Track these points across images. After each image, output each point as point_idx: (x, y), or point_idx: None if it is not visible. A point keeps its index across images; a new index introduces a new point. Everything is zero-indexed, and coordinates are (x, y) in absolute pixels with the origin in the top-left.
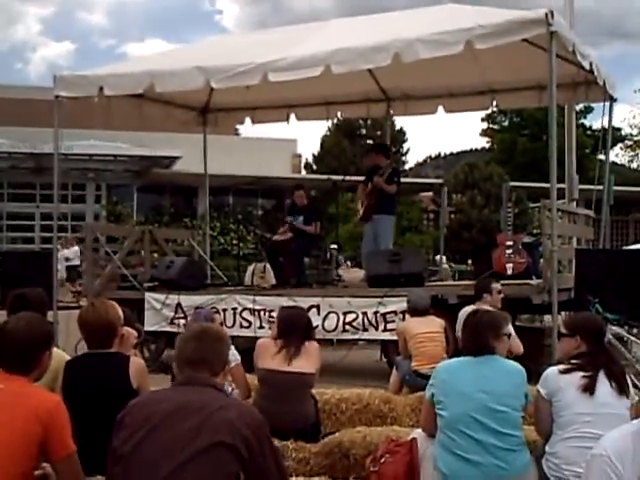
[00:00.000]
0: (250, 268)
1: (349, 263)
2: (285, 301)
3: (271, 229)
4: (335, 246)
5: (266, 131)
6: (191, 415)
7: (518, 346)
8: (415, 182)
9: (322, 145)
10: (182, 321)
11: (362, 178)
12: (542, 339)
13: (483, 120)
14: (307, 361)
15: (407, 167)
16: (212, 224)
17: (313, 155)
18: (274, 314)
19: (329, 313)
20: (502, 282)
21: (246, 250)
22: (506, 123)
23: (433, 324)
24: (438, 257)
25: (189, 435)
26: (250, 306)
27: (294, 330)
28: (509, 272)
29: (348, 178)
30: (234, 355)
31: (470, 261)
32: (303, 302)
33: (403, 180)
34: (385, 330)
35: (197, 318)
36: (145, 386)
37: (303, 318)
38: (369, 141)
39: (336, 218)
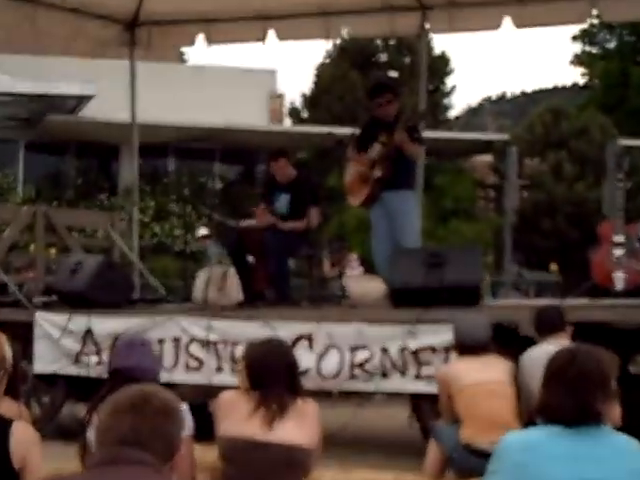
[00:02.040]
0: (202, 275)
1: (353, 265)
2: (258, 329)
3: (236, 212)
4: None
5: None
6: None
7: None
8: (464, 139)
9: (317, 80)
10: (94, 358)
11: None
12: None
13: (576, 40)
14: (299, 426)
15: (452, 115)
16: (143, 204)
17: (303, 96)
18: (240, 349)
19: (328, 349)
20: (607, 302)
21: (197, 246)
22: (612, 45)
23: (495, 369)
24: (503, 259)
25: None
26: (202, 336)
27: (271, 377)
28: (619, 285)
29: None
30: (187, 422)
31: (554, 266)
32: (286, 331)
33: (446, 135)
34: (418, 377)
35: (126, 349)
36: (34, 464)
37: (284, 358)
38: (392, 73)
39: (339, 196)
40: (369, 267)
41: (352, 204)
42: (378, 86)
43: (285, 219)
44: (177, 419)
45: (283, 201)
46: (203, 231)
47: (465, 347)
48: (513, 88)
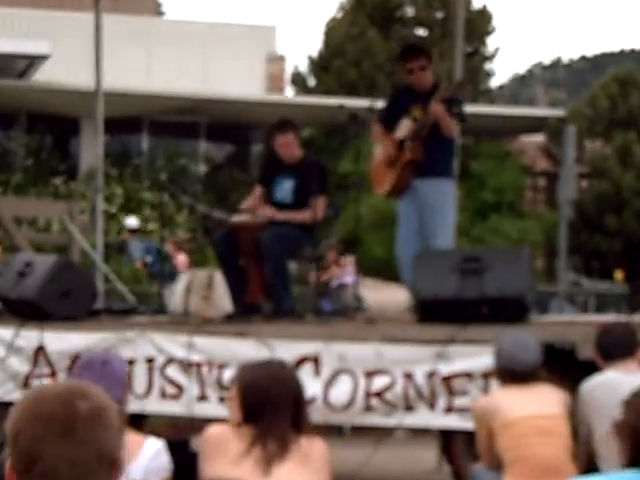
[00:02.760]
0: (183, 280)
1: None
2: (251, 348)
3: (225, 202)
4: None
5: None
6: None
7: None
8: (509, 114)
9: (327, 40)
10: (47, 382)
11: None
12: None
13: None
14: (302, 470)
15: (494, 84)
16: (109, 191)
17: (309, 59)
18: (230, 373)
19: (339, 374)
20: None
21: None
22: None
23: (546, 400)
24: (557, 265)
25: None
26: (182, 355)
27: (270, 408)
28: None
29: (379, 107)
30: (162, 463)
31: (620, 273)
32: (286, 351)
33: (487, 110)
34: (449, 410)
35: (81, 369)
36: None
37: (287, 384)
38: (419, 32)
39: (354, 184)
40: (389, 273)
41: (377, 193)
42: (409, 48)
43: (287, 209)
44: (113, 430)
45: (287, 187)
46: (132, 222)
47: (509, 373)
48: (570, 52)
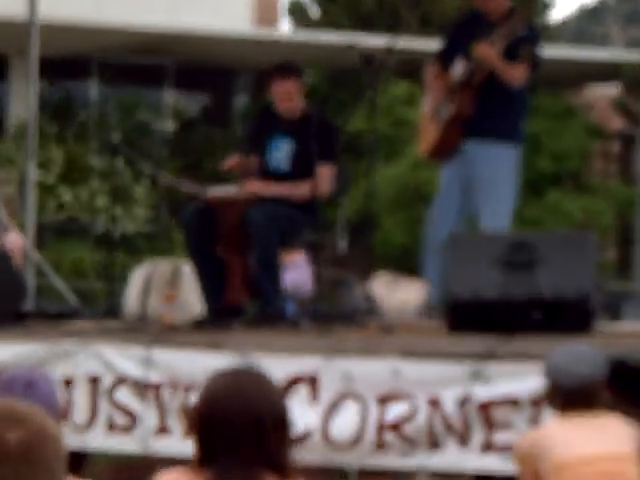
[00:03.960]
0: (140, 273)
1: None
2: (230, 362)
3: (199, 171)
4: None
5: None
6: None
7: None
8: (574, 59)
9: None
10: None
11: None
12: None
13: None
14: None
15: (554, 19)
16: (45, 155)
17: None
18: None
19: (343, 399)
20: None
21: (132, 225)
22: None
23: (613, 435)
24: (633, 256)
25: None
26: (137, 374)
27: (234, 441)
28: None
29: (402, 47)
30: None
31: None
32: (276, 368)
33: (545, 52)
34: (488, 448)
35: (3, 394)
36: None
37: (256, 404)
38: None
39: (368, 147)
40: (412, 265)
41: (421, 152)
42: None
43: (283, 180)
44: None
45: (283, 151)
46: None
47: (566, 399)
48: None
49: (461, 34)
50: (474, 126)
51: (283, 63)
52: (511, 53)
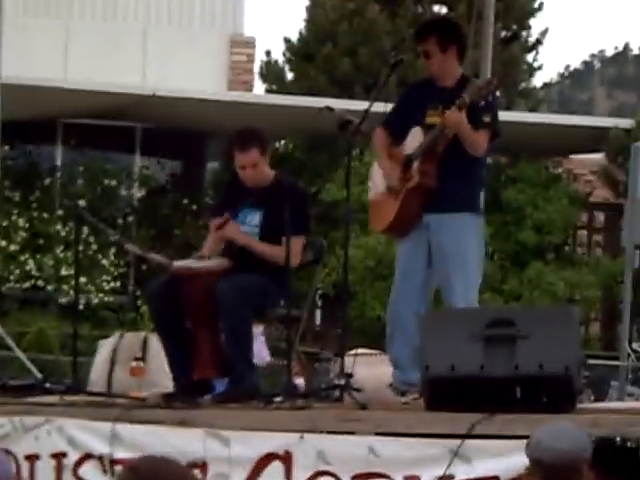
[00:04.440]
0: (106, 346)
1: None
2: (197, 442)
3: (166, 239)
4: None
5: None
6: None
7: None
8: (558, 124)
9: (312, 17)
10: None
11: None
12: None
13: None
14: None
15: (539, 82)
16: (8, 222)
17: (287, 44)
18: None
19: (318, 477)
20: None
21: (99, 296)
22: None
23: None
24: (618, 331)
25: None
26: (103, 451)
27: None
28: None
29: (379, 110)
30: None
31: None
32: (247, 446)
33: (528, 118)
34: None
35: None
36: None
37: None
38: (442, 9)
39: (344, 217)
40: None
41: (374, 230)
42: (419, 28)
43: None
44: None
45: (253, 221)
46: None
47: (547, 476)
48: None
49: (413, 101)
50: (437, 197)
51: (242, 132)
52: (472, 119)
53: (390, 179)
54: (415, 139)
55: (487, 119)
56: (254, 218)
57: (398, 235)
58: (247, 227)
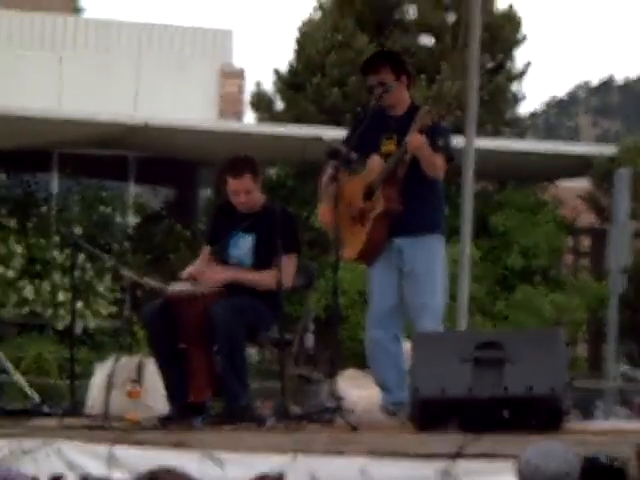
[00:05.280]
0: (102, 370)
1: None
2: (193, 462)
3: (161, 265)
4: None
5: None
6: None
7: None
8: (544, 152)
9: (301, 48)
10: None
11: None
12: None
13: None
14: None
15: (524, 111)
16: (5, 249)
17: (277, 75)
18: None
19: None
20: None
21: (94, 321)
22: None
23: None
24: (604, 352)
25: None
26: (100, 473)
27: None
28: None
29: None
30: None
31: None
32: (241, 467)
33: (514, 146)
34: None
35: None
36: None
37: None
38: (426, 39)
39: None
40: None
41: (346, 258)
42: (370, 61)
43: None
44: None
45: (244, 245)
46: None
47: None
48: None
49: (366, 132)
50: (404, 221)
51: (235, 160)
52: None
53: (354, 207)
54: (374, 167)
55: (441, 142)
56: (246, 242)
57: (368, 262)
58: (239, 251)
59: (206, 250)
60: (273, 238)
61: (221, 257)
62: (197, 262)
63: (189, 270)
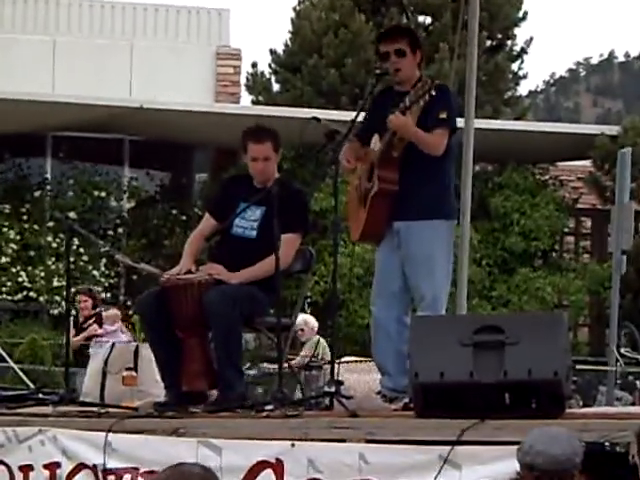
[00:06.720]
0: (97, 356)
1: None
2: (190, 450)
3: (156, 250)
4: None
5: None
6: None
7: None
8: (544, 132)
9: (297, 29)
10: None
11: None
12: None
13: None
14: None
15: (524, 90)
16: None
17: (274, 55)
18: None
19: None
20: None
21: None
22: None
23: None
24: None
25: None
26: (96, 461)
27: None
28: None
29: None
30: None
31: None
32: (238, 454)
33: (514, 126)
34: None
35: None
36: None
37: None
38: (427, 19)
39: (332, 226)
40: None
41: (353, 239)
42: (392, 29)
43: (248, 246)
44: None
45: (252, 217)
46: None
47: (529, 473)
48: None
49: (377, 108)
50: (404, 204)
51: (258, 127)
52: (427, 120)
53: (362, 185)
54: (375, 146)
55: (443, 115)
56: (254, 213)
57: (373, 241)
58: (245, 222)
59: (209, 221)
60: (282, 214)
61: (224, 226)
62: (190, 240)
63: (175, 270)
